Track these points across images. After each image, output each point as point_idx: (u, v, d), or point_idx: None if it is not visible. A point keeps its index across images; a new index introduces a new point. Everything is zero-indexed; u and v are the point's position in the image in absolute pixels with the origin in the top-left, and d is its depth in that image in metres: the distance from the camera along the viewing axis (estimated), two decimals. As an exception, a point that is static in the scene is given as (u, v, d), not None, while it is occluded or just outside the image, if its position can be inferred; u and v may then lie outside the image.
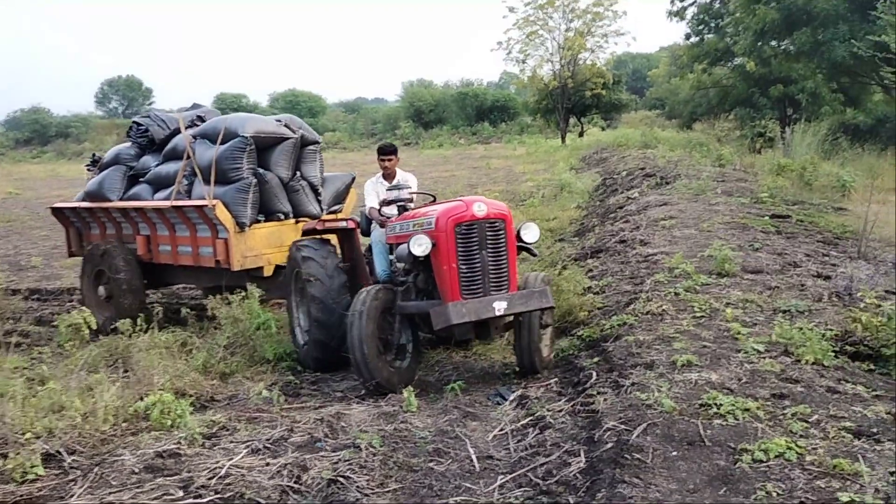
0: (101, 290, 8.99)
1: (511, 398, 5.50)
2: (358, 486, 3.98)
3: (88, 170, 10.12)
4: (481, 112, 54.52)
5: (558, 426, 4.74)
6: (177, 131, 9.05)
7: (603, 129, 44.92)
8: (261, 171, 8.25)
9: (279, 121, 8.74)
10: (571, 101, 40.42)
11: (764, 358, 5.19)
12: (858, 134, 28.27)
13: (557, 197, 16.75)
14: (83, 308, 7.11)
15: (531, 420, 4.93)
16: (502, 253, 5.89)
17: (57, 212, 10.22)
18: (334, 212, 8.91)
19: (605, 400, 4.80)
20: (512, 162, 29.11)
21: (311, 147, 8.84)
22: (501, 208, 6.07)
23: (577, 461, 4.12)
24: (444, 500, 3.97)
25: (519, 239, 6.19)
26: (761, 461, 3.73)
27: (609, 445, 4.10)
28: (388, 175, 7.25)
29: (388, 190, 7.02)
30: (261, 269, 8.19)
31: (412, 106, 55.87)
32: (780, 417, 4.24)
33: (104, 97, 76.16)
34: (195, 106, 10.10)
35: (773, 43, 21.80)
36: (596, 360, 5.87)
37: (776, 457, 3.75)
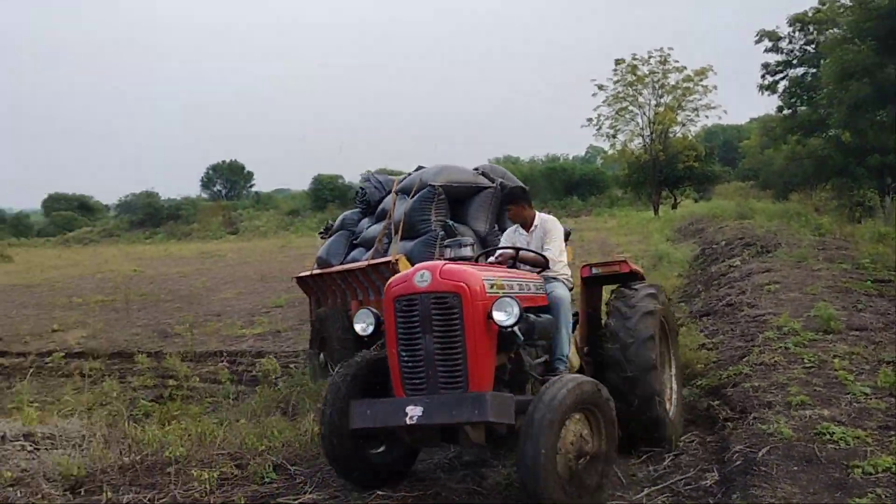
0: (322, 356, 8.76)
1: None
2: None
3: (321, 237, 10.38)
4: (570, 186, 55.35)
5: (691, 452, 5.55)
6: (391, 191, 8.84)
7: (696, 200, 45.07)
8: (451, 223, 7.78)
9: (477, 169, 8.49)
10: (663, 174, 40.92)
11: (871, 398, 5.85)
12: (965, 201, 27.86)
13: (657, 266, 17.29)
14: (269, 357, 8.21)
15: (663, 449, 5.72)
16: (455, 339, 4.45)
17: (301, 281, 10.43)
18: None
19: (730, 431, 5.58)
20: (605, 234, 29.75)
21: None
22: (459, 278, 4.52)
23: (712, 476, 4.93)
24: None
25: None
26: (871, 473, 4.45)
27: (738, 463, 4.89)
28: (524, 225, 6.06)
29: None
30: None
31: (502, 182, 57.01)
32: (886, 443, 4.93)
33: (209, 181, 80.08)
34: (419, 168, 9.29)
35: (868, 115, 22.18)
36: (716, 402, 6.58)
37: (884, 470, 4.47)
